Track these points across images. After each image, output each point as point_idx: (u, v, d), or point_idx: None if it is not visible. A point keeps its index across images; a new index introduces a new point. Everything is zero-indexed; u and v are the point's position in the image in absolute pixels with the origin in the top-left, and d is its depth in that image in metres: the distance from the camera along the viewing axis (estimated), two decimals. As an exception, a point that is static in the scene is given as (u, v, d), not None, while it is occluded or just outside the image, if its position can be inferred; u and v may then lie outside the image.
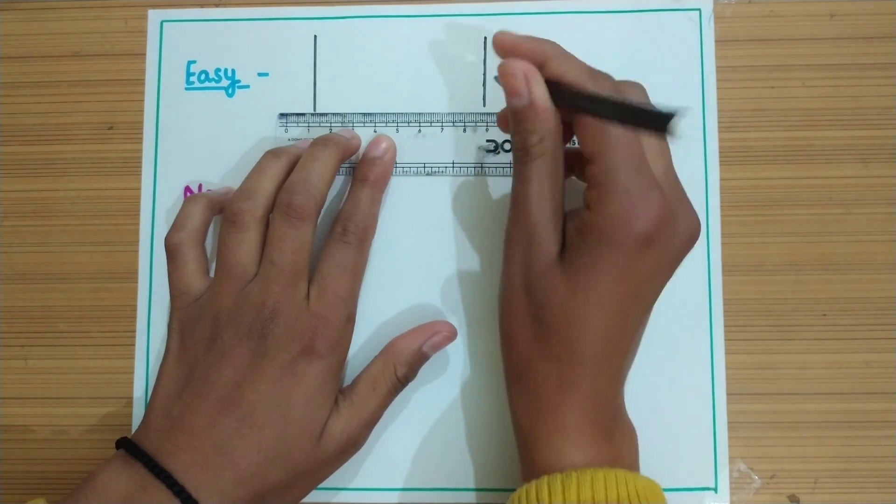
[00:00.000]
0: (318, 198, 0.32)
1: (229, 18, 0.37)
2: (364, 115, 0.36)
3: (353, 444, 0.32)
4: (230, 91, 0.37)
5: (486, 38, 0.37)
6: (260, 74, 0.37)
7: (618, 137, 0.28)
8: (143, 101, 0.37)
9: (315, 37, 0.37)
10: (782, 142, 0.36)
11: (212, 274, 0.33)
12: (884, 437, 0.35)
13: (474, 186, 0.36)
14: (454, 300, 0.35)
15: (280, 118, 0.37)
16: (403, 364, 0.33)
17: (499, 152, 0.36)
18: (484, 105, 0.36)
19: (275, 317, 0.30)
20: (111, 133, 0.37)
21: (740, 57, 0.37)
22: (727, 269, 0.35)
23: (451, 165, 0.36)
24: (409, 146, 0.36)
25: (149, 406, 0.31)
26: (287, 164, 0.33)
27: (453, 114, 0.36)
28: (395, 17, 0.37)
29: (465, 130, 0.36)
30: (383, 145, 0.35)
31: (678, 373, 0.35)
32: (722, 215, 0.36)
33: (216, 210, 0.35)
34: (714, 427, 0.35)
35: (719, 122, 0.36)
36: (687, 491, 0.34)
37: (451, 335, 0.34)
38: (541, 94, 0.29)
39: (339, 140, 0.34)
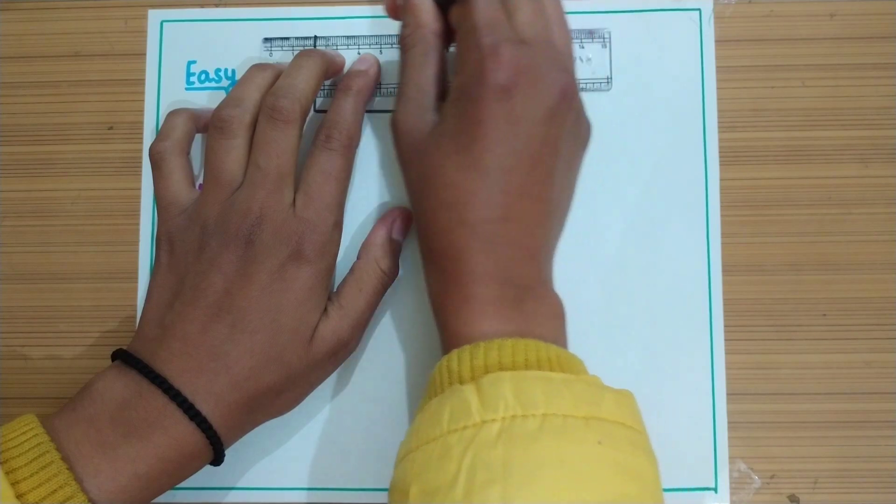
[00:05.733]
0: (303, 102, 0.32)
1: (229, 18, 0.37)
2: (348, 37, 0.37)
3: (343, 346, 0.32)
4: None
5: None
6: (260, 74, 0.37)
7: (473, 5, 0.30)
8: (143, 101, 0.37)
9: (315, 37, 0.37)
10: (782, 142, 0.36)
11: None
12: (884, 437, 0.35)
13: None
14: None
15: (265, 42, 0.37)
16: (383, 256, 0.33)
17: None
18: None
19: (261, 222, 0.30)
20: (111, 133, 0.37)
21: (740, 57, 0.37)
22: (727, 269, 0.35)
23: None
24: (394, 67, 0.36)
25: (141, 318, 0.31)
26: (273, 75, 0.34)
27: None
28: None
29: (449, 50, 0.36)
30: (368, 61, 0.35)
31: (678, 373, 0.35)
32: (722, 215, 0.36)
33: (199, 126, 0.35)
34: (714, 427, 0.35)
35: (719, 122, 0.36)
36: (687, 491, 0.34)
37: (407, 216, 0.35)
38: None
39: (324, 52, 0.35)
